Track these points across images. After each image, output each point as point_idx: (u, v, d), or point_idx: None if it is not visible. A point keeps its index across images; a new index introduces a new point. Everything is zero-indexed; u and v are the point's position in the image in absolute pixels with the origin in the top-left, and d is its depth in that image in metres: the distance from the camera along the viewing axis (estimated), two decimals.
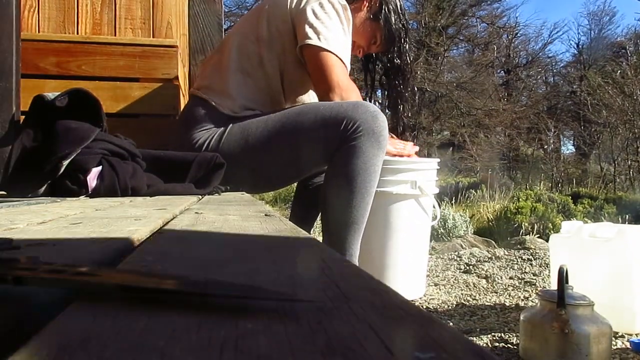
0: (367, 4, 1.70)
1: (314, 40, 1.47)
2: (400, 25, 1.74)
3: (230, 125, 1.54)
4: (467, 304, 1.65)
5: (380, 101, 2.11)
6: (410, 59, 1.83)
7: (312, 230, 2.10)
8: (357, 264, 1.51)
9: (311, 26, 1.49)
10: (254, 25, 1.60)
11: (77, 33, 2.10)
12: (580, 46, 16.19)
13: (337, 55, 1.48)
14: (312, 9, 1.50)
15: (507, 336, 1.35)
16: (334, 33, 1.49)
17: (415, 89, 1.92)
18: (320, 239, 1.63)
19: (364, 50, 1.77)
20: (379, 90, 1.95)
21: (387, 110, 1.87)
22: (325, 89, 1.49)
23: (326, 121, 1.43)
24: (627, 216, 3.96)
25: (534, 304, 1.25)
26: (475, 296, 1.74)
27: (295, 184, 2.03)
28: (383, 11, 1.70)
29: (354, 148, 1.40)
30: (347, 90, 1.48)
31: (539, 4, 42.77)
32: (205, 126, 1.55)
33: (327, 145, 1.44)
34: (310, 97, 1.69)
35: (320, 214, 1.62)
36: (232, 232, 0.55)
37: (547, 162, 12.07)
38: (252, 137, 1.51)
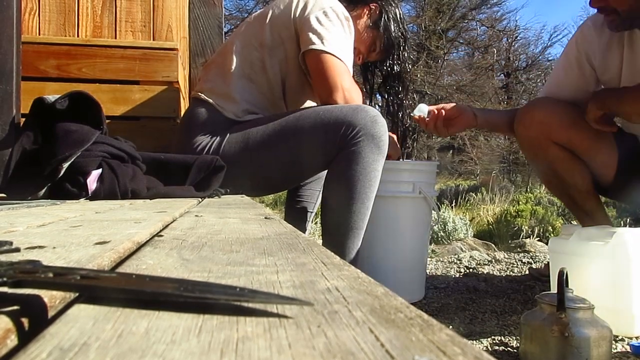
0: (367, 12, 1.71)
1: (316, 45, 1.47)
2: (400, 34, 1.75)
3: (232, 129, 1.54)
4: (467, 307, 1.65)
5: (380, 104, 2.12)
6: (409, 66, 1.84)
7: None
8: (359, 255, 1.52)
9: (314, 32, 1.49)
10: (257, 31, 1.60)
11: (78, 36, 2.10)
12: None
13: (339, 58, 1.47)
14: (316, 16, 1.50)
15: (507, 339, 1.35)
16: (336, 37, 1.49)
17: (414, 95, 1.94)
18: (319, 242, 1.63)
19: (364, 57, 1.77)
20: (378, 95, 1.96)
21: (386, 117, 1.87)
22: (327, 91, 1.48)
23: (326, 126, 1.42)
24: (627, 219, 3.96)
25: (534, 307, 1.25)
26: (475, 299, 1.74)
27: (285, 196, 2.06)
28: (383, 19, 1.71)
29: (354, 153, 1.40)
30: (349, 91, 1.48)
31: (539, 8, 42.91)
32: (208, 130, 1.55)
33: (326, 149, 1.44)
34: (311, 103, 1.69)
35: (320, 219, 1.63)
36: (232, 235, 0.55)
37: None
38: (252, 140, 1.51)
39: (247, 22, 1.69)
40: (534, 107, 1.79)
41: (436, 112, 1.76)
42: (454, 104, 1.81)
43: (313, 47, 1.47)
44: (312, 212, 2.05)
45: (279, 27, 1.57)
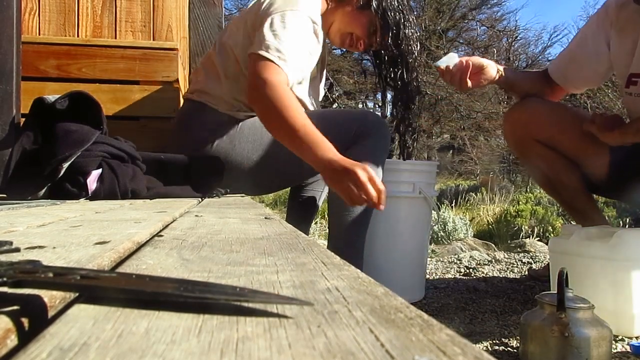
0: None
1: (254, 48, 1.34)
2: (397, 12, 1.62)
3: (235, 124, 1.55)
4: (467, 307, 1.65)
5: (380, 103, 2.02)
6: (413, 46, 1.67)
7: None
8: (362, 259, 1.54)
9: (260, 35, 1.37)
10: (234, 32, 1.58)
11: (78, 36, 2.10)
12: None
13: (275, 63, 1.32)
14: (272, 19, 1.39)
15: (507, 339, 1.35)
16: (284, 44, 1.35)
17: (419, 85, 1.77)
18: (319, 242, 1.64)
19: (365, 42, 1.64)
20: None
21: (394, 110, 1.78)
22: (249, 93, 1.33)
23: (339, 126, 1.47)
24: (627, 219, 3.96)
25: (534, 307, 1.25)
26: (475, 299, 1.74)
27: (288, 198, 2.05)
28: None
29: (363, 147, 1.47)
30: (281, 85, 1.27)
31: (539, 8, 42.87)
32: (209, 126, 1.55)
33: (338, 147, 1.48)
34: (306, 99, 1.66)
35: (324, 219, 1.65)
36: (232, 235, 0.55)
37: None
38: (266, 137, 1.52)
39: (231, 23, 1.67)
40: (519, 107, 1.80)
41: (464, 63, 1.67)
42: (480, 58, 1.74)
43: (252, 50, 1.35)
44: (313, 214, 2.05)
45: (248, 28, 1.52)
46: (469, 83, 1.68)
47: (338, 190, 1.20)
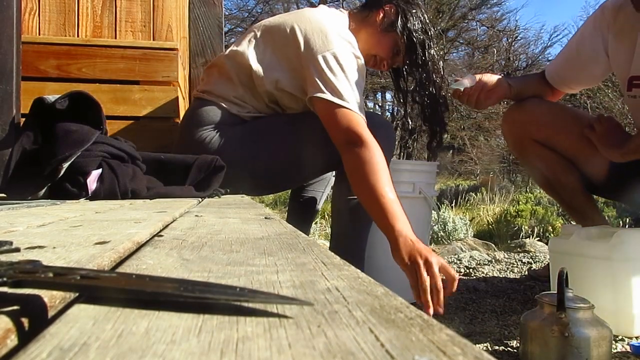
0: (382, 14, 1.59)
1: (327, 95, 1.36)
2: (422, 33, 1.62)
3: (241, 124, 1.55)
4: (467, 307, 1.65)
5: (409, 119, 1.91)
6: (438, 65, 1.67)
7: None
8: (364, 260, 1.53)
9: (322, 78, 1.38)
10: (255, 49, 1.54)
11: (78, 36, 2.10)
12: None
13: (353, 110, 1.36)
14: (325, 57, 1.40)
15: (507, 339, 1.35)
16: (347, 86, 1.39)
17: (447, 101, 1.74)
18: (319, 242, 1.64)
19: (388, 62, 1.64)
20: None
21: (423, 126, 1.74)
22: (350, 142, 1.35)
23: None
24: (627, 219, 3.96)
25: (534, 307, 1.25)
26: (475, 299, 1.74)
27: (289, 198, 2.05)
28: (400, 19, 1.59)
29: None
30: (372, 145, 1.33)
31: (539, 8, 42.94)
32: (214, 125, 1.55)
33: (334, 150, 1.46)
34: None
35: (320, 221, 1.65)
36: (232, 235, 0.55)
37: None
38: (270, 138, 1.52)
39: (248, 34, 1.61)
40: (518, 107, 1.80)
41: (480, 85, 1.69)
42: (491, 75, 1.74)
43: (322, 96, 1.37)
44: (314, 214, 2.05)
45: (279, 54, 1.51)
46: (485, 103, 1.71)
47: (405, 269, 1.23)
